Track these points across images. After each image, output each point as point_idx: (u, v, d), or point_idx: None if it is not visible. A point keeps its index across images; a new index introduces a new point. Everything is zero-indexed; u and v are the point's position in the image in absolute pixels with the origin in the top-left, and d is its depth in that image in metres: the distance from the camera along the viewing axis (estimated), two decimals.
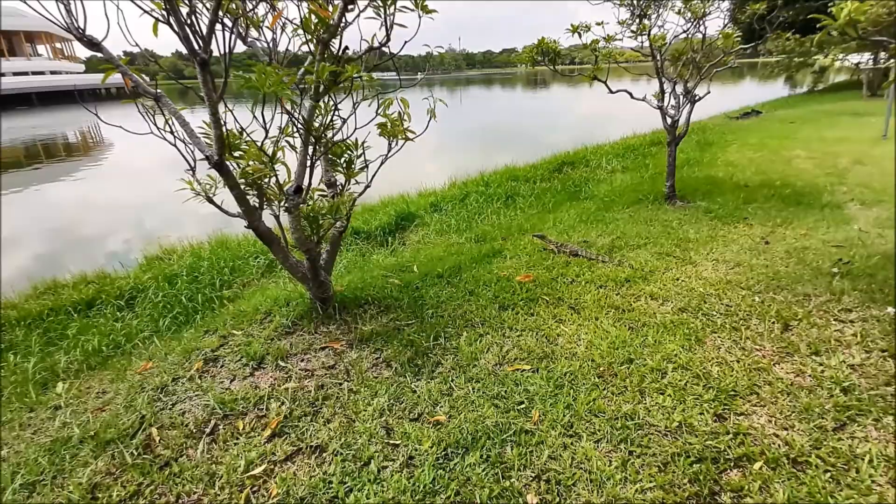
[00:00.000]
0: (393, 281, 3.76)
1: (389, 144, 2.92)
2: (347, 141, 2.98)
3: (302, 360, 2.78)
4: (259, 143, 2.52)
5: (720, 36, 5.24)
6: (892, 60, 18.73)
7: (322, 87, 2.56)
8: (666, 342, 2.76)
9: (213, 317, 3.64)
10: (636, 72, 6.32)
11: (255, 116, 2.43)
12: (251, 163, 2.59)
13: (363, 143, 3.00)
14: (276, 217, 2.84)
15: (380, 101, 2.77)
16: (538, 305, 3.27)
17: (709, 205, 5.44)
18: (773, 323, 2.92)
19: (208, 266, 4.74)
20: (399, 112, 2.84)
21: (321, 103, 2.62)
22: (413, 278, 3.82)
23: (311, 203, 2.96)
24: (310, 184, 2.63)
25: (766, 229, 4.63)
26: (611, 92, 5.49)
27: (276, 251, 2.88)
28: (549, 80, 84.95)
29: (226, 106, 2.33)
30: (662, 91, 5.41)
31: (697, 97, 5.33)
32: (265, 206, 2.69)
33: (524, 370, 2.57)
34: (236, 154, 2.66)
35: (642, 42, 5.49)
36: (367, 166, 3.04)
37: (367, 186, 2.98)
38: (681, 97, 5.41)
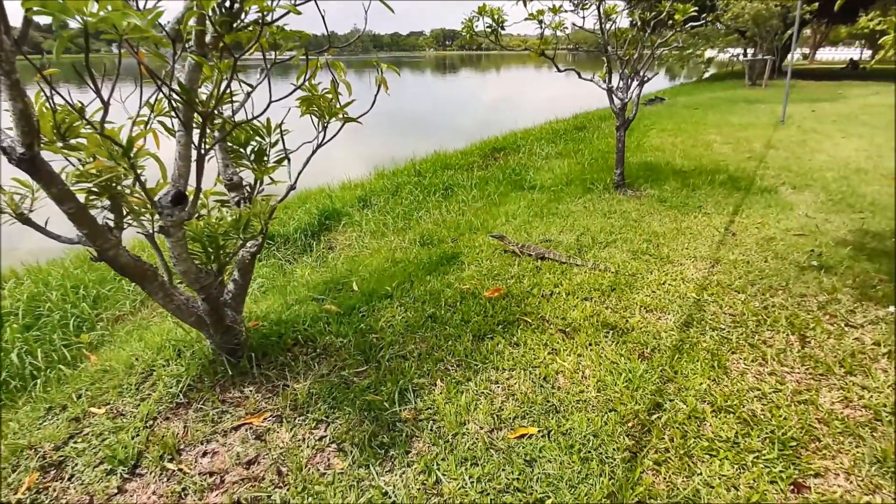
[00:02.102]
0: (329, 307, 2.88)
1: (321, 127, 2.04)
2: (255, 123, 2.05)
3: (204, 456, 1.85)
4: (112, 126, 1.53)
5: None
6: (768, 55, 20.80)
7: (210, 36, 1.61)
8: (688, 373, 2.24)
9: (62, 383, 2.50)
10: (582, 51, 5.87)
11: (93, 86, 1.42)
12: (95, 158, 1.60)
13: (279, 125, 2.09)
14: (149, 236, 1.86)
15: (302, 69, 1.87)
16: (521, 330, 2.61)
17: (659, 193, 5.17)
18: (789, 334, 2.54)
19: (59, 297, 3.44)
20: (334, 81, 1.97)
21: (211, 64, 1.67)
22: (354, 301, 2.97)
23: (204, 216, 2.00)
24: (199, 188, 1.68)
25: (723, 219, 4.40)
26: (559, 70, 4.96)
27: (151, 290, 1.90)
28: (457, 66, 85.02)
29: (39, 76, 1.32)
30: (610, 71, 4.99)
31: (647, 78, 4.98)
32: (124, 225, 1.70)
33: (531, 436, 1.89)
34: (72, 142, 1.65)
35: (584, 18, 5.01)
36: (287, 158, 2.13)
37: (292, 188, 2.08)
38: (629, 78, 5.03)
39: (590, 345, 2.48)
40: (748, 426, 1.92)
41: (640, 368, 2.26)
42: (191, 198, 1.71)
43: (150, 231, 1.85)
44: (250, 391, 2.17)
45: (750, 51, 25.49)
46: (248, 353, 2.34)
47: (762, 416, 1.97)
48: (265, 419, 2.01)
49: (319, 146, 2.02)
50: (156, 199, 1.70)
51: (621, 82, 5.03)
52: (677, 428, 1.90)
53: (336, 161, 10.43)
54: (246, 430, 1.95)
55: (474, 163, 7.53)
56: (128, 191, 1.81)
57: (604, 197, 5.11)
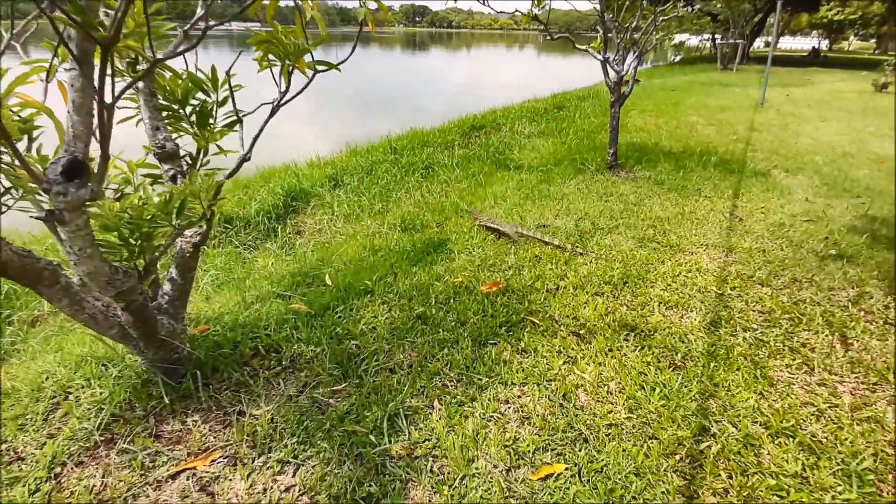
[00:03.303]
0: (297, 307, 2.40)
1: (285, 78, 1.53)
2: (194, 72, 1.53)
3: None
4: None
5: None
6: (740, 39, 20.92)
7: None
8: (729, 385, 1.90)
9: None
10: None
11: None
12: None
13: (228, 76, 1.57)
14: (47, 219, 1.33)
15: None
16: (528, 333, 2.21)
17: (654, 174, 4.86)
18: (829, 336, 2.24)
19: None
20: (300, 14, 1.46)
21: None
22: (328, 298, 2.50)
23: (127, 196, 1.49)
24: (106, 154, 1.16)
25: (725, 203, 4.12)
26: (552, 38, 4.51)
27: (50, 296, 1.38)
28: (427, 43, 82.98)
29: None
30: (606, 41, 4.58)
31: (645, 49, 4.60)
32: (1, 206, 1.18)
33: (558, 475, 1.50)
34: None
35: None
36: (239, 121, 1.62)
37: (246, 158, 1.57)
38: (625, 49, 4.64)
39: (610, 350, 2.11)
40: (813, 455, 1.59)
41: (674, 381, 1.90)
42: (96, 168, 1.20)
43: (46, 214, 1.33)
44: (195, 422, 1.69)
45: (718, 36, 25.70)
46: (192, 369, 1.85)
47: (826, 441, 1.65)
48: (214, 461, 1.54)
49: (280, 103, 1.51)
50: (45, 168, 1.18)
51: (617, 54, 4.63)
52: (733, 460, 1.56)
53: (302, 138, 9.70)
54: (187, 479, 1.48)
55: (454, 141, 7.03)
56: (6, 158, 1.28)
57: (597, 178, 4.75)
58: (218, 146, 1.83)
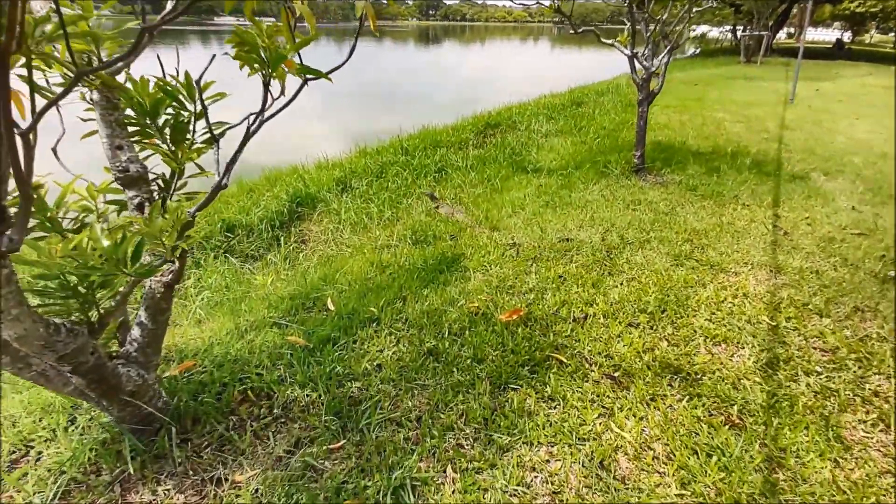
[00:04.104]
0: (294, 339, 2.14)
1: (272, 88, 1.26)
2: (168, 81, 1.27)
3: None
4: None
5: None
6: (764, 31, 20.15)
7: None
8: (799, 451, 1.60)
9: None
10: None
11: None
12: None
13: (199, 87, 1.30)
14: None
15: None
16: (554, 375, 1.92)
17: (684, 179, 4.51)
18: None
19: None
20: (289, 12, 1.19)
21: None
22: (329, 327, 2.24)
23: (82, 225, 1.24)
24: (28, 195, 0.90)
25: (764, 212, 3.77)
26: (575, 32, 4.17)
27: None
28: (441, 37, 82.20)
29: None
30: (634, 33, 4.23)
31: (678, 44, 4.24)
32: None
33: None
34: None
35: None
36: (214, 139, 1.35)
37: (221, 186, 1.30)
38: (655, 43, 4.28)
39: (652, 400, 1.81)
40: None
41: (732, 444, 1.60)
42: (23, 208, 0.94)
43: None
44: (167, 491, 1.44)
45: (739, 27, 24.85)
46: (169, 423, 1.60)
47: None
48: None
49: (260, 120, 1.24)
50: None
51: (647, 48, 4.28)
52: None
53: (312, 137, 9.47)
54: None
55: (468, 140, 6.72)
56: None
57: (623, 183, 4.41)
58: (198, 165, 1.57)
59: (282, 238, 4.04)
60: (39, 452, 1.61)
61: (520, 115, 8.44)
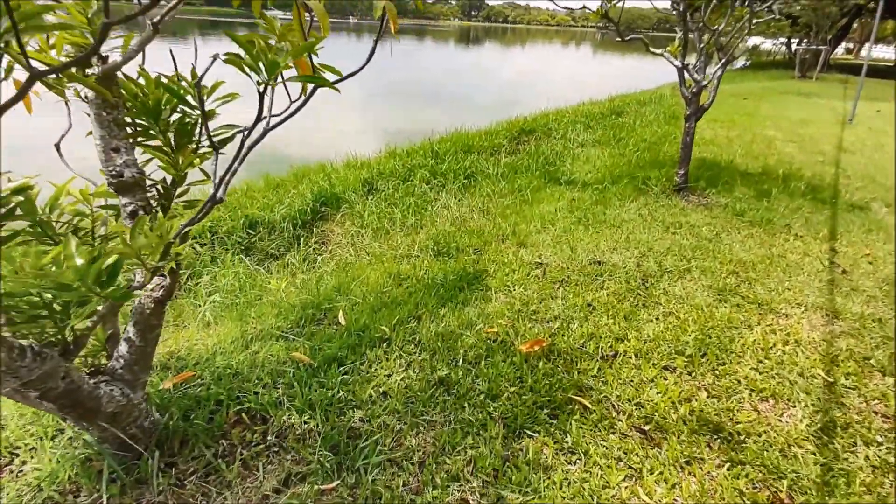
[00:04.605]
0: (298, 356, 2.01)
1: (280, 94, 1.12)
2: (173, 78, 1.15)
3: None
4: None
5: None
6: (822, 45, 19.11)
7: None
8: None
9: None
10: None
11: None
12: None
13: (199, 88, 1.18)
14: None
15: None
16: (576, 423, 1.73)
17: (731, 202, 4.19)
18: None
19: None
20: (298, 9, 1.04)
21: None
22: (337, 344, 2.11)
23: (76, 229, 1.14)
24: None
25: (820, 245, 3.44)
26: (622, 39, 3.93)
27: None
28: (482, 38, 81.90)
29: None
30: (685, 44, 3.95)
31: (734, 56, 3.94)
32: None
33: None
34: None
35: None
36: (214, 148, 1.22)
37: (216, 200, 1.16)
38: (708, 54, 3.99)
39: (688, 463, 1.60)
40: None
41: None
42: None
43: None
44: None
45: (794, 40, 23.69)
46: (154, 446, 1.49)
47: None
48: None
49: (264, 130, 1.10)
50: None
51: (699, 60, 3.99)
52: None
53: (346, 132, 9.46)
54: None
55: (500, 146, 6.52)
56: None
57: (662, 202, 4.14)
58: (203, 171, 1.46)
59: (303, 238, 3.95)
60: (23, 462, 1.53)
61: (556, 122, 8.18)
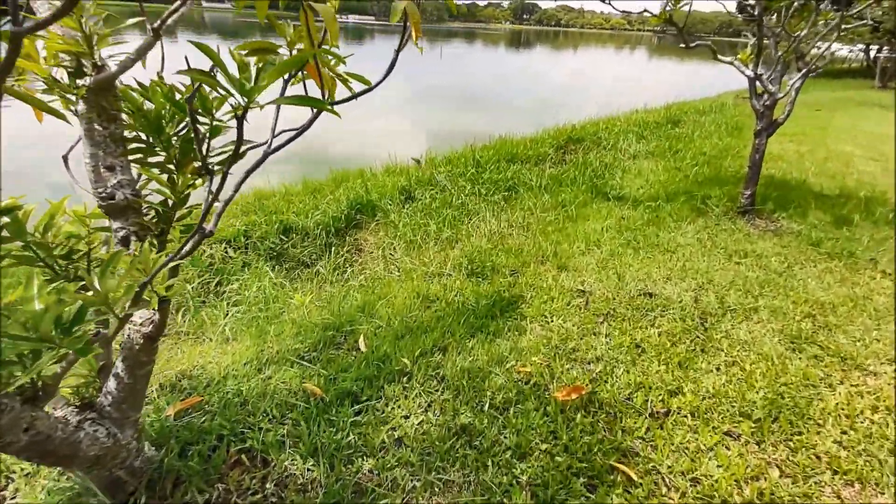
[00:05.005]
0: (311, 388, 1.86)
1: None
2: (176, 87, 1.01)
3: None
4: None
5: None
6: None
7: None
8: None
9: None
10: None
11: None
12: None
13: (192, 100, 1.02)
14: None
15: None
16: (618, 497, 1.47)
17: (805, 228, 3.73)
18: None
19: None
20: (305, 12, 0.87)
21: None
22: (352, 375, 1.94)
23: (70, 251, 1.03)
24: None
25: None
26: (687, 47, 3.58)
27: None
28: (533, 41, 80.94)
29: None
30: (759, 51, 3.54)
31: (817, 66, 3.50)
32: None
33: None
34: None
35: None
36: (209, 171, 1.07)
37: (205, 234, 1.00)
38: (785, 63, 3.57)
39: None
40: None
41: None
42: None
43: None
44: None
45: (875, 48, 21.78)
46: (148, 482, 1.37)
47: None
48: None
49: (261, 158, 0.94)
50: None
51: (775, 69, 3.58)
52: None
53: (390, 133, 9.42)
54: None
55: (546, 155, 6.22)
56: None
57: (725, 226, 3.74)
58: (210, 192, 1.32)
59: (335, 247, 3.85)
60: (16, 490, 1.44)
61: (607, 130, 7.77)
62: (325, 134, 8.55)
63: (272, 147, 0.98)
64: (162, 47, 1.15)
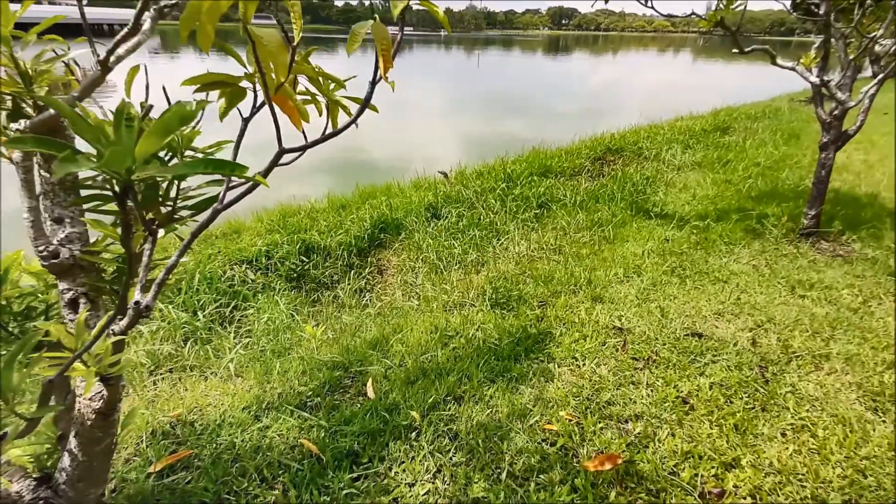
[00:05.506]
0: (308, 443, 1.68)
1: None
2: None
3: None
4: None
5: None
6: None
7: None
8: None
9: None
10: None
11: None
12: None
13: (181, 128, 0.86)
14: None
15: None
16: None
17: (881, 255, 3.27)
18: None
19: None
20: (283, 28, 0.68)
21: None
22: (354, 428, 1.74)
23: (28, 308, 0.88)
24: None
25: None
26: (741, 52, 3.23)
27: None
28: (572, 47, 79.70)
29: None
30: (826, 55, 3.14)
31: (894, 70, 3.07)
32: None
33: None
34: None
35: None
36: (173, 217, 0.90)
37: (140, 311, 0.83)
38: (857, 67, 3.15)
39: None
40: None
41: None
42: None
43: None
44: None
45: None
46: None
47: None
48: None
49: (221, 204, 0.76)
50: None
51: (845, 74, 3.17)
52: None
53: (423, 144, 9.31)
54: None
55: (582, 167, 5.90)
56: None
57: (785, 251, 3.33)
58: (178, 237, 1.16)
59: (356, 268, 3.70)
60: None
61: (649, 139, 7.34)
62: (363, 140, 8.54)
63: (224, 203, 0.80)
64: (146, 74, 1.00)
